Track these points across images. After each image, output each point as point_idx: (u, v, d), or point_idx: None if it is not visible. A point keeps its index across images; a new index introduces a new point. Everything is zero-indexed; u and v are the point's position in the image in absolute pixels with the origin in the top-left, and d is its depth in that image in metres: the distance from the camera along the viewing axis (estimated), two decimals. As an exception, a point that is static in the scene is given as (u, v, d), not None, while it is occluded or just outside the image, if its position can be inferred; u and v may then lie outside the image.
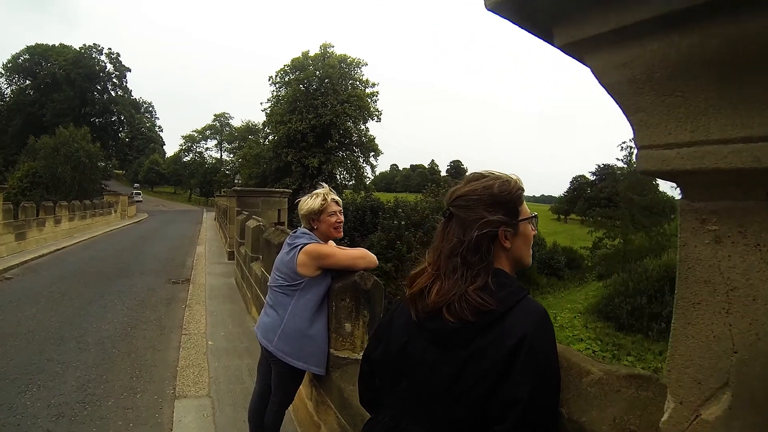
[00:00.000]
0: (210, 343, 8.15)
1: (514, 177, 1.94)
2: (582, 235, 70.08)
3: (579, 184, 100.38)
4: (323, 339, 4.00)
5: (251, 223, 11.42)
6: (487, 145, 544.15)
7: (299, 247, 3.85)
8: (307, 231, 4.02)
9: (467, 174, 2.03)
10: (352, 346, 4.02)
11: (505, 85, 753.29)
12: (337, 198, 4.08)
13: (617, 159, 47.25)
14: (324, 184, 4.20)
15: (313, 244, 3.87)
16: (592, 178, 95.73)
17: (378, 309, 4.15)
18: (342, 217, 4.09)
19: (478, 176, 1.93)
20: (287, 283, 3.88)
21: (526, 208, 1.92)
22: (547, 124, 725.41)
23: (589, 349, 29.14)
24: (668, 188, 62.95)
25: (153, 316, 10.39)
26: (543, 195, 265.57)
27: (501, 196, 1.81)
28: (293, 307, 3.86)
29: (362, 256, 4.08)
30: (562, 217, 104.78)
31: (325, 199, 3.97)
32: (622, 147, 45.74)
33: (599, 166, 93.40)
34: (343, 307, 3.99)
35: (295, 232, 4.10)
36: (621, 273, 36.99)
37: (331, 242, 4.23)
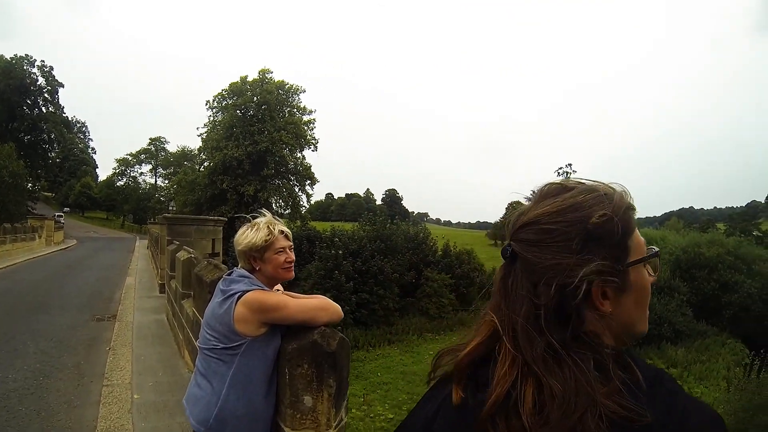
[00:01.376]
0: (136, 396, 6.98)
1: (617, 188, 1.22)
2: (519, 259, 71.46)
3: (514, 209, 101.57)
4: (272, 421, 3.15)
5: (182, 255, 10.34)
6: (423, 174, 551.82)
7: (236, 296, 2.89)
8: (247, 273, 3.07)
9: (541, 186, 1.33)
10: (315, 425, 3.07)
11: (441, 113, 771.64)
12: (285, 230, 3.18)
13: None
14: (266, 212, 3.30)
15: (255, 291, 2.91)
16: (526, 203, 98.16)
17: (345, 374, 3.24)
18: (293, 255, 3.17)
19: (558, 189, 1.24)
20: (222, 345, 2.90)
21: (641, 240, 1.19)
22: (480, 151, 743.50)
23: None
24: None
25: (71, 361, 9.06)
26: (478, 221, 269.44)
27: (598, 225, 1.11)
28: (232, 379, 2.88)
29: (323, 306, 3.15)
30: (498, 242, 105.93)
31: (270, 232, 3.06)
32: (559, 172, 47.00)
33: (533, 191, 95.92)
34: (301, 375, 3.05)
35: (229, 275, 3.13)
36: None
37: (279, 287, 3.33)
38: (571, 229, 1.12)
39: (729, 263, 40.86)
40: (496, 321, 1.19)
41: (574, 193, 1.18)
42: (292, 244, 3.19)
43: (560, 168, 48.54)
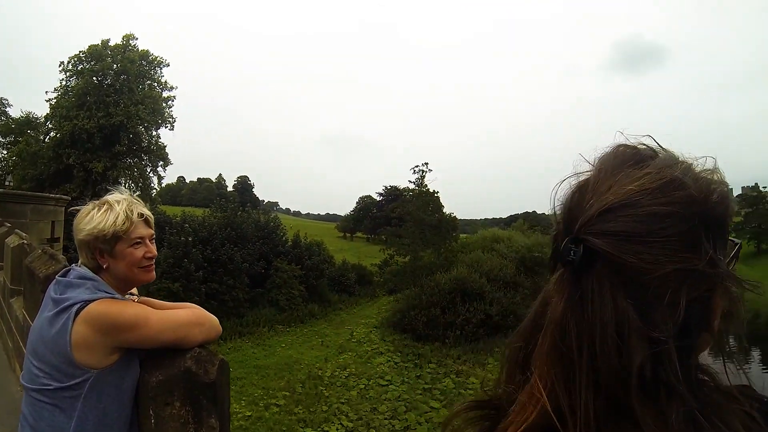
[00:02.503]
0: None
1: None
2: (369, 252, 72.17)
3: (365, 204, 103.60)
4: None
5: (12, 240, 8.31)
6: (274, 163, 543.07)
7: (74, 309, 1.90)
8: (89, 273, 2.09)
9: (604, 149, 0.90)
10: (195, 482, 2.09)
11: (299, 106, 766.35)
12: (146, 213, 2.24)
13: (409, 181, 48.97)
14: (124, 189, 2.30)
15: (101, 301, 1.94)
16: (378, 198, 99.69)
17: (227, 406, 2.22)
18: (154, 248, 2.26)
19: (636, 155, 0.84)
20: (56, 385, 1.89)
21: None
22: (331, 143, 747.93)
23: (390, 361, 29.43)
24: (451, 209, 67.52)
25: None
26: (328, 213, 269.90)
27: (719, 207, 0.83)
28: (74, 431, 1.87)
29: (197, 320, 2.24)
30: (348, 234, 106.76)
31: (127, 216, 2.10)
32: (414, 170, 47.55)
33: (386, 187, 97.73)
34: (171, 417, 2.06)
35: (65, 275, 2.12)
36: (413, 287, 38.50)
37: (134, 293, 2.45)
38: (689, 214, 0.73)
39: None
40: (562, 398, 0.69)
41: (665, 161, 0.80)
42: (153, 232, 2.27)
43: (416, 166, 48.66)
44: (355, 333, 35.88)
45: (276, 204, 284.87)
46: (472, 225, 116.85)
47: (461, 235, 60.11)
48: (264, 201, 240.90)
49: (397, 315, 36.76)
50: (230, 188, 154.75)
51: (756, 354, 45.18)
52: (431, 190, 49.20)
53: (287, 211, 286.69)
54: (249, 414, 20.38)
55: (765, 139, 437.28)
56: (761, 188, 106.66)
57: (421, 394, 24.91)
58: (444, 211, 50.50)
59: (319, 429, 20.02)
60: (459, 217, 56.14)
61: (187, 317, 2.20)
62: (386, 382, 26.19)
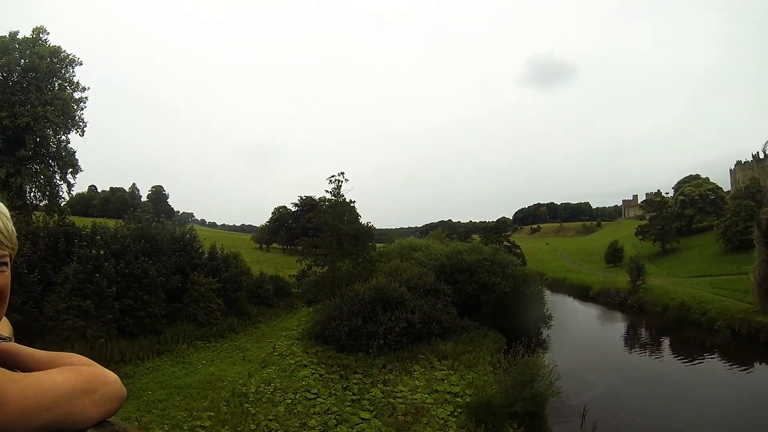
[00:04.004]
0: None
1: None
2: (285, 263, 71.02)
3: (281, 214, 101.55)
4: None
5: None
6: (190, 173, 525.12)
7: None
8: None
9: None
10: None
11: (214, 115, 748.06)
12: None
13: (326, 191, 48.12)
14: None
15: None
16: (294, 209, 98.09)
17: None
18: (8, 273, 1.30)
19: None
20: None
21: None
22: (247, 156, 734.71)
23: (315, 373, 28.64)
24: (368, 218, 67.58)
25: None
26: (244, 224, 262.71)
27: None
28: None
29: (84, 386, 1.34)
30: (264, 246, 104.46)
31: None
32: (331, 180, 46.79)
33: (302, 197, 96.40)
34: None
35: None
36: (333, 298, 37.76)
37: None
38: None
39: (487, 267, 44.67)
40: None
41: None
42: (13, 248, 1.39)
43: (333, 176, 48.06)
44: (277, 346, 34.68)
45: (191, 215, 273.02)
46: (388, 234, 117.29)
47: (378, 244, 59.93)
48: (179, 212, 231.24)
49: (319, 326, 35.93)
50: (144, 198, 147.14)
51: (666, 342, 48.35)
52: (348, 200, 48.33)
53: (202, 222, 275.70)
54: (173, 440, 18.77)
55: (663, 151, 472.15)
56: (663, 194, 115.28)
57: (350, 405, 24.31)
58: (360, 220, 50.14)
59: (248, 450, 18.74)
60: (375, 226, 55.79)
61: (70, 383, 1.30)
62: (313, 396, 25.37)
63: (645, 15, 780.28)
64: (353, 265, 44.98)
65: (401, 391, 26.54)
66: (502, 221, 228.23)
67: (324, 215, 49.61)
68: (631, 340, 51.66)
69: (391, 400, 25.18)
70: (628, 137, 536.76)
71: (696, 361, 40.81)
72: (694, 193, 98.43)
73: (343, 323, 34.50)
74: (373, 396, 25.72)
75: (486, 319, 42.30)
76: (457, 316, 39.94)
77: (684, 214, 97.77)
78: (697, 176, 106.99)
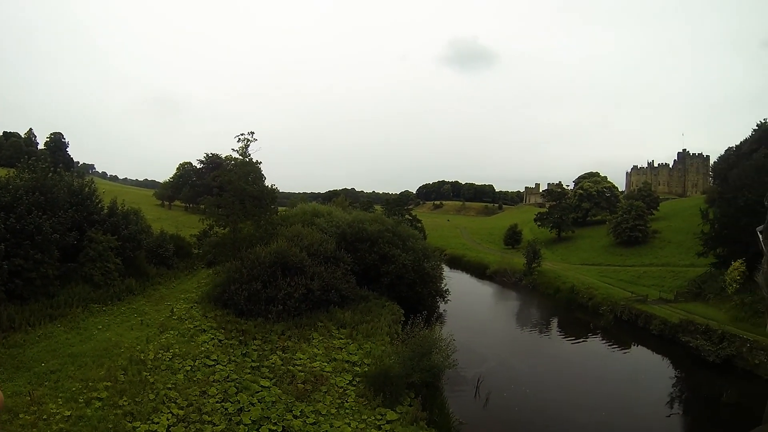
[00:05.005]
0: None
1: None
2: (187, 222, 68.98)
3: (185, 171, 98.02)
4: None
5: None
6: (91, 122, 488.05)
7: None
8: None
9: None
10: None
11: (119, 60, 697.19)
12: None
13: (233, 150, 46.79)
14: None
15: None
16: (199, 166, 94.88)
17: None
18: None
19: None
20: None
21: None
22: (153, 107, 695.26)
23: (214, 339, 28.26)
24: (273, 181, 66.29)
25: None
26: (147, 179, 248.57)
27: None
28: None
29: None
30: (166, 203, 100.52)
31: None
32: (239, 138, 45.54)
33: (208, 155, 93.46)
34: None
35: None
36: (233, 260, 37.02)
37: None
38: None
39: (388, 239, 45.08)
40: None
41: None
42: None
43: (242, 134, 46.64)
44: (175, 309, 33.53)
45: (92, 167, 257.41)
46: (291, 198, 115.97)
47: (280, 208, 59.26)
48: (79, 163, 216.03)
49: (218, 289, 35.01)
50: (42, 146, 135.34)
51: (555, 322, 51.93)
52: (254, 160, 47.26)
53: (103, 174, 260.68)
54: (68, 414, 18.08)
55: (567, 147, 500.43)
56: (564, 186, 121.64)
57: (249, 373, 24.29)
58: (265, 182, 49.28)
59: (148, 422, 18.45)
60: (279, 189, 54.99)
61: None
62: (213, 362, 25.07)
63: (572, 20, 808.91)
64: (255, 227, 44.34)
65: (300, 359, 26.73)
66: (405, 194, 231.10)
67: (229, 174, 48.34)
68: (523, 318, 54.26)
69: (291, 367, 25.31)
70: (537, 129, 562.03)
71: (581, 340, 44.35)
72: (592, 188, 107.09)
73: (243, 287, 33.75)
74: (272, 363, 25.72)
75: (385, 290, 42.81)
76: (357, 286, 40.04)
77: (581, 207, 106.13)
78: (597, 174, 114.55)
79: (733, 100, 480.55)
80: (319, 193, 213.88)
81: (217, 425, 18.95)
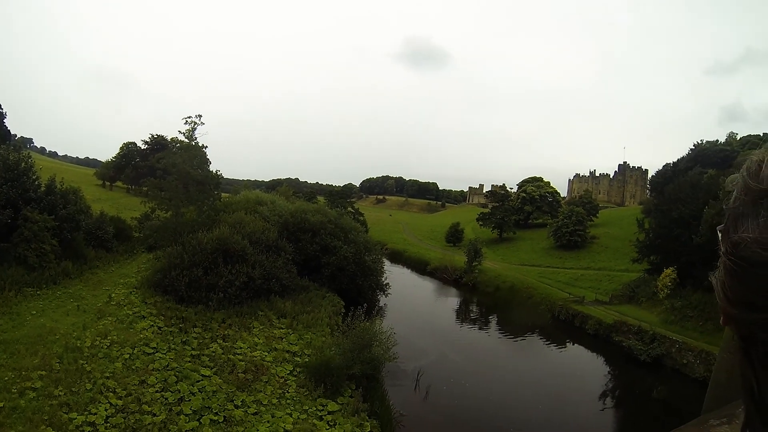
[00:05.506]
0: None
1: None
2: (129, 204, 67.14)
3: (129, 151, 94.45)
4: None
5: None
6: (31, 93, 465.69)
7: None
8: None
9: None
10: None
11: (63, 29, 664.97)
12: None
13: (179, 132, 45.86)
14: None
15: None
16: (143, 147, 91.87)
17: None
18: None
19: None
20: None
21: None
22: (97, 82, 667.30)
23: (154, 326, 27.91)
24: (216, 167, 65.65)
25: None
26: (88, 157, 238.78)
27: None
28: None
29: None
30: (107, 183, 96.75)
31: None
32: (186, 121, 44.68)
33: (153, 135, 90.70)
34: None
35: None
36: (174, 245, 36.66)
37: None
38: None
39: (330, 230, 45.39)
40: None
41: None
42: None
43: (189, 117, 45.88)
44: (114, 295, 32.65)
45: (30, 140, 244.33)
46: (234, 185, 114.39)
47: (224, 194, 59.17)
48: (16, 136, 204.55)
49: (158, 275, 34.29)
50: None
51: (494, 320, 52.68)
52: (200, 144, 46.96)
53: (42, 150, 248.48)
54: (0, 405, 17.47)
55: (514, 150, 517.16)
56: (508, 188, 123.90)
57: (190, 361, 24.15)
58: (210, 167, 48.91)
59: (85, 413, 18.04)
60: (223, 175, 54.48)
61: None
62: (152, 350, 24.70)
63: (527, 30, 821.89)
64: (198, 212, 43.84)
65: (241, 348, 26.76)
66: (349, 187, 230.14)
67: (174, 156, 47.86)
68: (463, 314, 54.62)
69: (231, 356, 25.32)
70: (484, 131, 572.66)
71: (519, 338, 45.54)
72: (535, 192, 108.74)
73: (184, 273, 33.36)
74: (212, 352, 25.64)
75: (326, 281, 43.14)
76: (298, 276, 40.19)
77: (523, 210, 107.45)
78: (540, 179, 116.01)
79: (674, 120, 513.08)
80: (262, 181, 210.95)
81: (157, 415, 18.74)
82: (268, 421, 19.80)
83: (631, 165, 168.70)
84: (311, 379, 23.96)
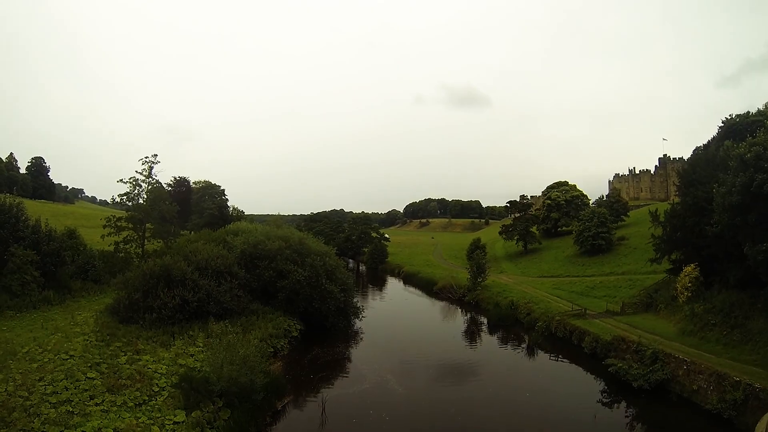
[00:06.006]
0: None
1: None
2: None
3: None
4: None
5: None
6: (82, 147, 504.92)
7: None
8: None
9: None
10: None
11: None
12: None
13: (136, 171, 56.65)
14: None
15: None
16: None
17: None
18: None
19: None
20: None
21: None
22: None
23: (88, 341, 31.70)
24: (260, 203, 68.58)
25: None
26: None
27: None
28: None
29: None
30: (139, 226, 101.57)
31: None
32: (143, 161, 51.49)
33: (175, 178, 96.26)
34: None
35: None
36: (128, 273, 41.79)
37: None
38: None
39: (286, 255, 47.55)
40: None
41: None
42: None
43: (146, 157, 53.43)
44: (78, 318, 37.25)
45: (81, 191, 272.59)
46: (267, 220, 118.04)
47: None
48: (68, 188, 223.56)
49: (116, 300, 38.56)
50: (23, 170, 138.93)
51: (479, 342, 48.98)
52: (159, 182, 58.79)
53: (93, 198, 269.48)
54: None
55: (557, 161, 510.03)
56: (528, 197, 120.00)
57: (89, 367, 27.49)
58: (228, 204, 55.03)
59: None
60: (253, 212, 59.91)
61: None
62: (67, 357, 28.46)
63: (565, 53, 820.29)
64: (165, 245, 46.98)
65: (144, 360, 29.62)
66: (393, 213, 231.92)
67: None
68: (447, 336, 49.52)
69: (128, 366, 28.24)
70: (525, 146, 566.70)
71: (497, 361, 41.07)
72: (561, 198, 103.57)
73: (129, 296, 37.47)
74: (117, 362, 28.73)
75: (282, 305, 44.85)
76: (251, 300, 43.03)
77: (550, 217, 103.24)
78: (566, 182, 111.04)
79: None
80: (302, 215, 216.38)
81: (33, 402, 22.62)
82: (108, 419, 22.28)
83: (672, 157, 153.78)
84: (181, 391, 25.42)
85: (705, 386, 28.38)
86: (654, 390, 30.72)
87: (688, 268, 40.63)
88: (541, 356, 42.02)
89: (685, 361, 30.63)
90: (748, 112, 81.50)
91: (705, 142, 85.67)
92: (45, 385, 24.45)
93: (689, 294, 39.47)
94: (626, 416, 29.00)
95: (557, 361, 40.78)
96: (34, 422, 20.87)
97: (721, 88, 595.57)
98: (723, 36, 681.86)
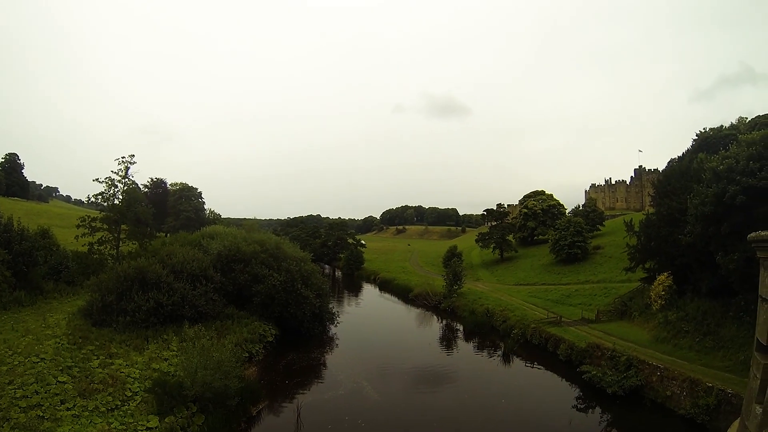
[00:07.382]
0: None
1: None
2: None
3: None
4: None
5: None
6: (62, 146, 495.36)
7: None
8: None
9: None
10: None
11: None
12: None
13: (112, 171, 54.97)
14: None
15: None
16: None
17: None
18: None
19: None
20: None
21: None
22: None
23: (59, 344, 31.17)
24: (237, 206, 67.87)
25: None
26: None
27: None
28: None
29: None
30: (113, 227, 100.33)
31: None
32: (119, 161, 51.78)
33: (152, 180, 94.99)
34: None
35: None
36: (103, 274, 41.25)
37: None
38: None
39: (262, 259, 47.36)
40: None
41: None
42: None
43: (122, 157, 52.83)
44: (50, 320, 36.44)
45: (56, 190, 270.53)
46: (243, 224, 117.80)
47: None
48: (42, 185, 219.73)
49: (88, 302, 37.94)
50: None
51: (455, 349, 48.36)
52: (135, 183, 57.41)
53: (67, 198, 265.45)
54: None
55: (537, 171, 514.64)
56: (505, 206, 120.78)
57: (61, 371, 26.98)
58: (205, 206, 54.85)
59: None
60: (229, 215, 58.52)
61: None
62: (38, 360, 27.96)
63: (547, 67, 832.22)
64: (140, 247, 46.54)
65: (117, 364, 29.35)
66: (369, 220, 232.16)
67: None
68: (422, 344, 48.44)
69: (100, 370, 27.90)
70: (504, 156, 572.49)
71: (470, 368, 40.38)
72: (537, 207, 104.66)
73: (101, 299, 36.91)
74: (89, 366, 28.32)
75: (257, 309, 44.54)
76: (226, 304, 42.62)
77: (526, 226, 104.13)
78: (542, 192, 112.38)
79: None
80: (278, 219, 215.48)
81: (2, 406, 22.27)
82: (80, 424, 22.14)
83: (647, 168, 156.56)
84: (154, 395, 25.30)
85: (678, 392, 29.23)
86: (628, 396, 31.23)
87: (661, 277, 41.72)
88: (517, 363, 42.07)
89: (659, 367, 31.43)
90: (722, 126, 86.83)
91: (680, 154, 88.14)
92: (14, 388, 24.06)
93: (663, 302, 40.53)
94: (601, 422, 29.28)
95: (533, 368, 41.02)
96: (3, 426, 20.48)
97: (695, 102, 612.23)
98: (698, 53, 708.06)
